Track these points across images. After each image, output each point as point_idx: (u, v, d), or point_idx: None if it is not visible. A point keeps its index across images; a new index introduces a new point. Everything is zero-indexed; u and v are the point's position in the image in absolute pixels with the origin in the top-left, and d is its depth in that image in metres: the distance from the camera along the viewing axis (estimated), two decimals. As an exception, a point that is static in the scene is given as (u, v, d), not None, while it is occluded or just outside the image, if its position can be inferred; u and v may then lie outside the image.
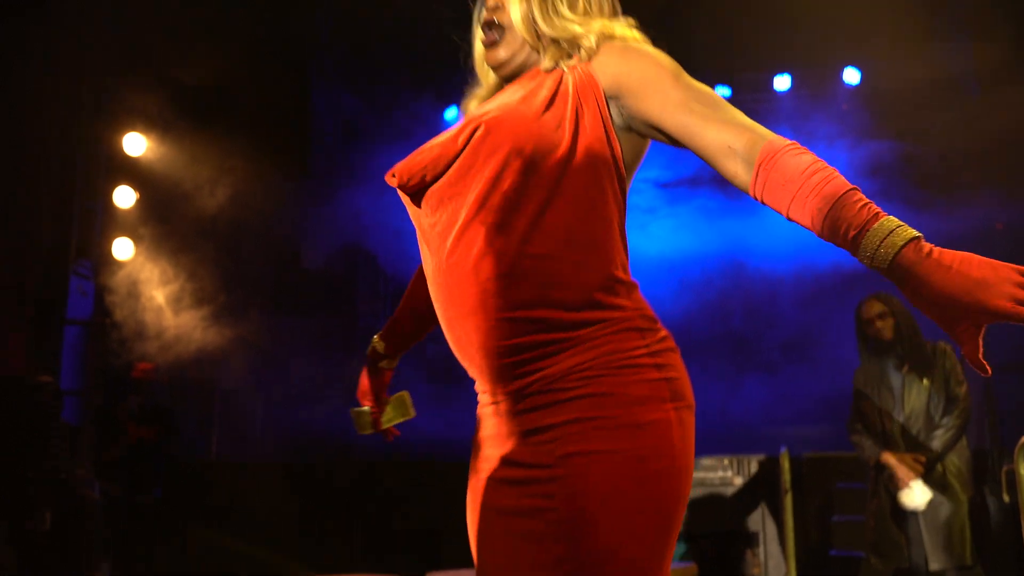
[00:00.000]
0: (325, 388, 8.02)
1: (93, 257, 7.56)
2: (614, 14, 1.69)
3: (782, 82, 8.33)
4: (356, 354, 9.47)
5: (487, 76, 1.77)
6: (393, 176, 1.54)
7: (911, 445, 4.25)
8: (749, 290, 8.21)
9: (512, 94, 1.58)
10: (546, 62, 1.59)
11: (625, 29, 1.63)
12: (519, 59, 1.65)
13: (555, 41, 1.60)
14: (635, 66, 1.51)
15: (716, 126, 1.45)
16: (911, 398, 4.30)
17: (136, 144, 7.46)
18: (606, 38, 1.58)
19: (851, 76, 8.18)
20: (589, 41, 1.56)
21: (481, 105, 1.71)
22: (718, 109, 1.46)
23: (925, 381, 4.29)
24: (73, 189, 7.50)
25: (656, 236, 8.10)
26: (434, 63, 8.43)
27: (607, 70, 1.53)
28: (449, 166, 1.49)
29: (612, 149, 1.51)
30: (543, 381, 1.44)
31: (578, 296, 1.44)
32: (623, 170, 1.55)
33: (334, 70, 8.78)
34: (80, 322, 7.47)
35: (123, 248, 7.39)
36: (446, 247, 1.48)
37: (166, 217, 7.56)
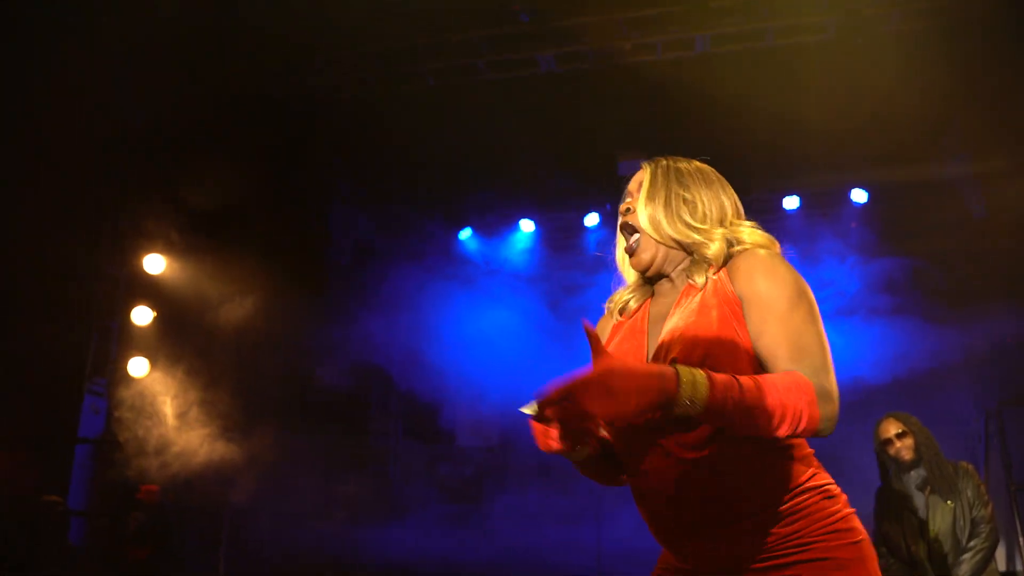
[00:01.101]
0: (335, 507, 7.89)
1: (108, 375, 7.58)
2: (737, 215, 1.91)
3: (791, 202, 8.46)
4: (366, 471, 9.37)
5: (628, 274, 2.02)
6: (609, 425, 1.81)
7: (939, 569, 4.11)
8: None
9: (682, 311, 1.79)
10: (699, 278, 1.80)
11: (751, 233, 1.85)
12: (658, 260, 1.89)
13: (679, 243, 1.85)
14: (759, 280, 1.73)
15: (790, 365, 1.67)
16: (936, 520, 4.19)
17: (155, 264, 7.58)
18: (733, 243, 1.82)
19: (859, 196, 8.30)
20: (711, 249, 1.80)
21: (641, 315, 1.94)
22: (806, 353, 1.67)
23: (949, 503, 4.19)
24: (91, 308, 7.59)
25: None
26: (444, 186, 8.64)
27: (739, 276, 1.75)
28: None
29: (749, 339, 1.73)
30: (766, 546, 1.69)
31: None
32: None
33: (350, 192, 8.98)
34: (91, 440, 7.43)
35: (138, 366, 7.41)
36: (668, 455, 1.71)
37: (183, 335, 7.61)
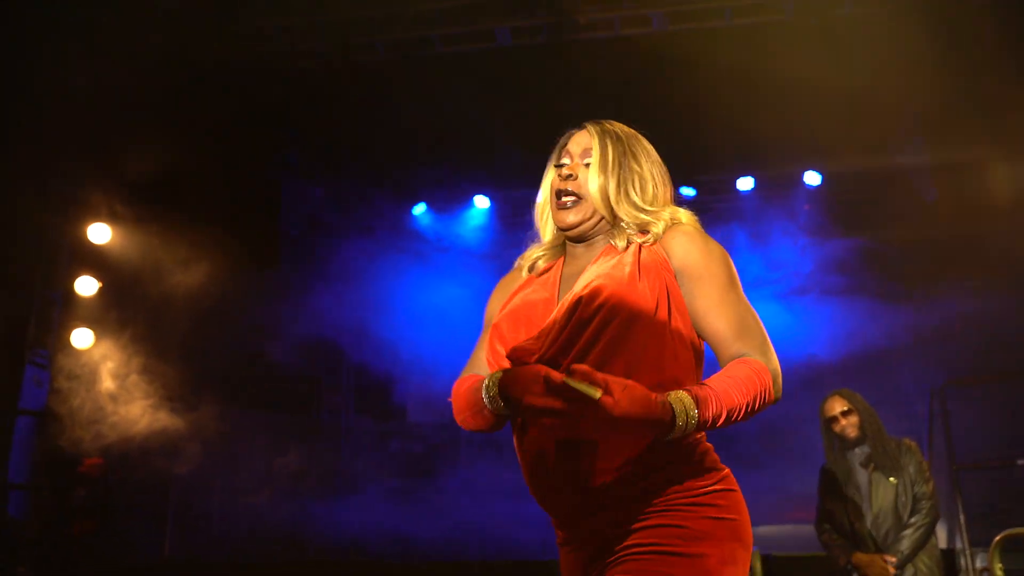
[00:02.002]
0: (285, 482, 7.83)
1: (50, 346, 7.41)
2: (675, 200, 1.93)
3: (745, 183, 8.52)
4: (317, 447, 9.30)
5: (546, 231, 2.02)
6: (511, 358, 1.76)
7: (881, 545, 4.20)
8: None
9: (599, 267, 1.80)
10: (619, 242, 1.82)
11: (687, 216, 1.87)
12: (587, 226, 1.88)
13: (624, 222, 1.84)
14: (697, 257, 1.77)
15: (732, 335, 1.74)
16: (878, 497, 4.26)
17: (101, 233, 7.40)
18: (673, 223, 1.84)
19: (812, 178, 8.38)
20: (657, 228, 1.81)
21: (542, 276, 1.94)
22: (752, 334, 1.74)
23: (892, 479, 4.26)
24: (34, 278, 7.39)
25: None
26: (398, 161, 8.55)
27: (676, 251, 1.78)
28: (558, 338, 1.72)
29: (683, 313, 1.76)
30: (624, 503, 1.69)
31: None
32: (691, 326, 1.78)
33: (303, 164, 8.85)
34: (32, 412, 7.27)
35: (82, 337, 7.25)
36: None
37: (129, 306, 7.46)
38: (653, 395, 1.51)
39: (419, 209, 9.27)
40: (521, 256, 2.03)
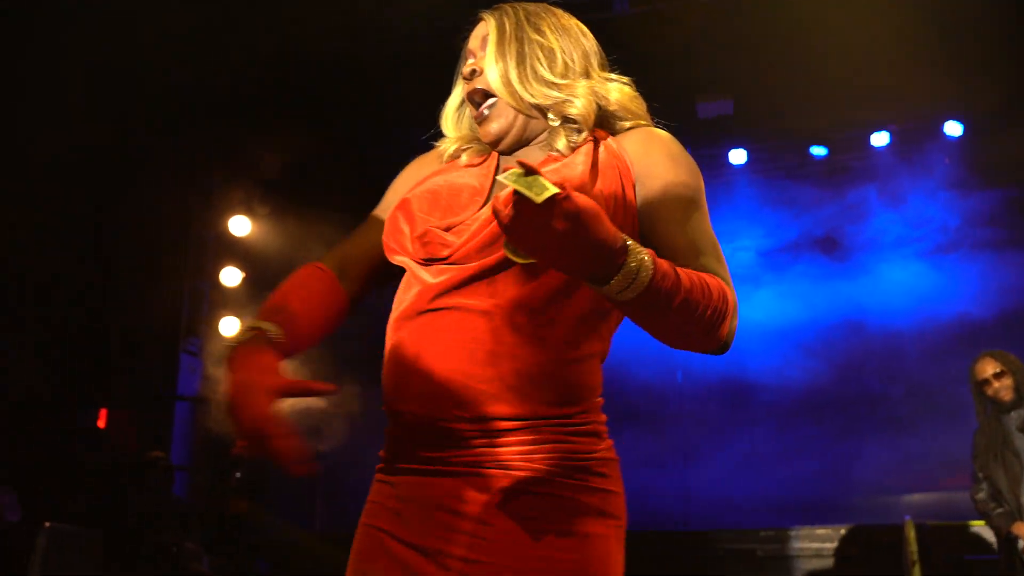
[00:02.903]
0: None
1: (201, 335, 7.83)
2: (602, 67, 1.61)
3: (880, 138, 8.16)
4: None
5: (452, 129, 1.70)
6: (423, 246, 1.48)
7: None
8: (872, 350, 7.92)
9: (563, 167, 1.47)
10: (559, 144, 1.50)
11: (618, 89, 1.58)
12: (515, 130, 1.55)
13: (539, 108, 1.52)
14: (665, 164, 1.48)
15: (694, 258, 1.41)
16: (1040, 462, 4.05)
17: (241, 225, 7.76)
18: (600, 101, 1.54)
19: (953, 128, 7.95)
20: (575, 107, 1.49)
21: (487, 165, 1.60)
22: (720, 258, 1.44)
23: (1054, 443, 4.04)
24: (184, 271, 7.83)
25: (760, 305, 7.95)
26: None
27: (636, 155, 1.49)
28: (483, 237, 1.42)
29: (634, 227, 1.46)
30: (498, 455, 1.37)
31: (576, 380, 1.41)
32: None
33: (428, 147, 8.97)
34: (189, 398, 7.70)
35: (230, 325, 7.62)
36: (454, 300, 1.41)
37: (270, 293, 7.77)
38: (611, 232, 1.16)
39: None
40: (440, 144, 1.71)
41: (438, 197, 1.52)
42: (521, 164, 1.10)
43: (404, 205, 1.54)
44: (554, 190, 1.08)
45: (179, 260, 7.80)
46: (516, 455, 1.35)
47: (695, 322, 1.28)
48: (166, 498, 5.89)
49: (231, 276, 7.81)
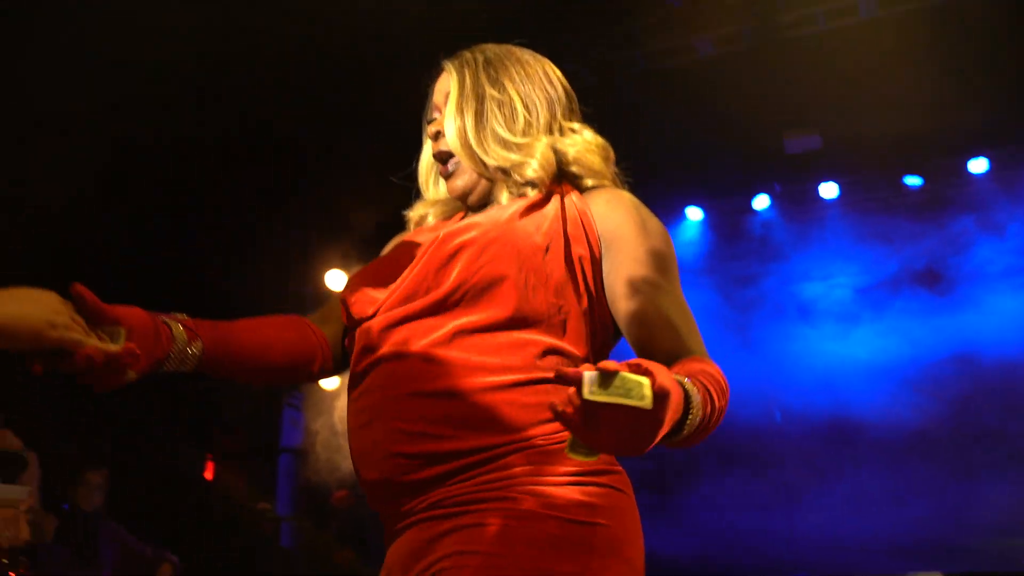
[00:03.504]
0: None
1: (303, 389, 8.03)
2: (569, 112, 1.58)
3: (978, 165, 7.93)
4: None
5: (432, 192, 1.69)
6: (352, 305, 1.48)
7: None
8: (987, 384, 7.58)
9: (493, 214, 1.46)
10: (502, 198, 1.48)
11: (580, 144, 1.52)
12: (479, 191, 1.54)
13: (499, 169, 1.48)
14: (631, 227, 1.42)
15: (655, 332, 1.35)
16: None
17: (337, 280, 7.96)
18: (561, 158, 1.49)
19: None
20: (531, 169, 1.44)
21: (445, 220, 1.61)
22: (683, 320, 1.37)
23: None
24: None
25: (860, 343, 7.75)
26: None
27: (601, 217, 1.44)
28: (407, 286, 1.41)
29: (595, 284, 1.41)
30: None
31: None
32: (604, 302, 1.42)
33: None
34: (291, 450, 7.89)
35: (329, 380, 7.79)
36: (404, 349, 1.37)
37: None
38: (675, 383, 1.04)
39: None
40: (407, 211, 1.72)
41: (383, 261, 1.53)
42: (600, 370, 0.96)
43: (352, 279, 1.55)
44: (647, 384, 0.96)
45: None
46: (474, 489, 1.28)
47: (717, 423, 1.19)
48: (274, 549, 6.02)
49: (330, 330, 8.00)
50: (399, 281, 1.42)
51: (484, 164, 1.49)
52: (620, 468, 1.35)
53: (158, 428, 6.84)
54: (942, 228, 7.93)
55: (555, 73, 1.61)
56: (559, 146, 1.50)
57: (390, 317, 1.39)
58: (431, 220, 1.64)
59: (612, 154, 1.59)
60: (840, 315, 8.06)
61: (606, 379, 0.95)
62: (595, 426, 0.97)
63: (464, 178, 1.53)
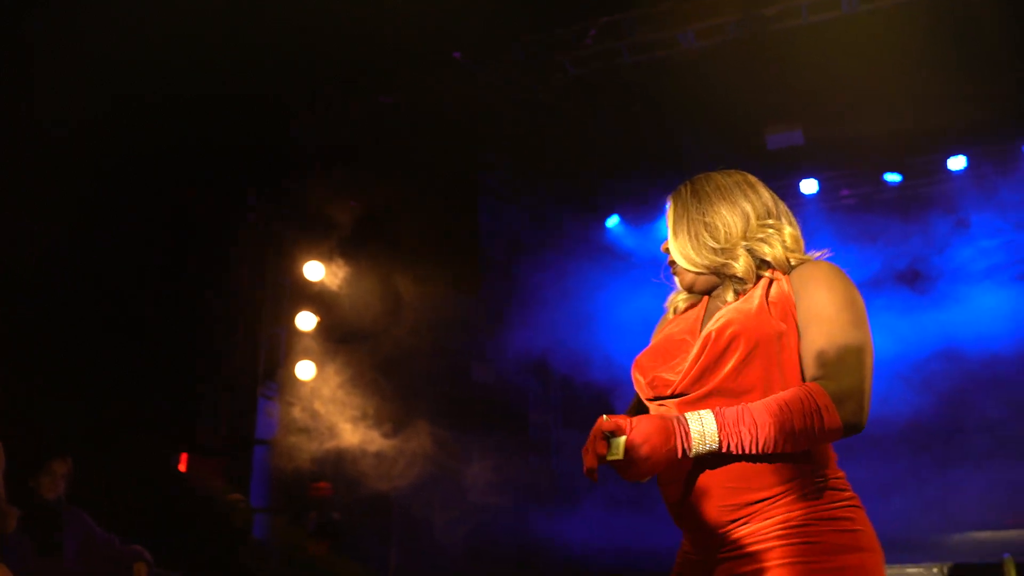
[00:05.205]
0: (502, 499, 7.99)
1: (279, 379, 7.95)
2: (766, 215, 2.00)
3: (956, 162, 7.95)
4: (528, 461, 9.44)
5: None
6: (650, 387, 1.96)
7: None
8: (976, 376, 7.61)
9: (733, 305, 1.93)
10: (728, 296, 1.96)
11: (776, 241, 1.95)
12: (699, 284, 2.03)
13: (709, 268, 1.98)
14: (819, 299, 1.84)
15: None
16: None
17: (315, 271, 7.89)
18: (758, 255, 1.94)
19: (1034, 150, 7.73)
20: (736, 269, 1.93)
21: (685, 314, 2.10)
22: (836, 357, 1.76)
23: None
24: (261, 317, 7.99)
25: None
26: (591, 176, 8.60)
27: (798, 287, 1.87)
28: (691, 371, 1.87)
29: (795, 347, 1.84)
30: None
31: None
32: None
33: (498, 186, 9.07)
34: (266, 442, 7.81)
35: (305, 370, 7.74)
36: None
37: (344, 338, 7.89)
38: (666, 430, 1.66)
39: (612, 222, 9.27)
40: (668, 299, 2.19)
41: (659, 349, 2.01)
42: (603, 426, 1.71)
43: (637, 362, 2.03)
44: (623, 442, 1.66)
45: (256, 307, 7.97)
46: (770, 527, 1.75)
47: (785, 439, 1.67)
48: (246, 541, 5.95)
49: (306, 321, 7.93)
50: (684, 368, 1.88)
51: (698, 265, 2.00)
52: (850, 487, 1.84)
53: (131, 419, 6.75)
54: (921, 224, 7.95)
55: (753, 188, 2.05)
56: (755, 247, 1.95)
57: (687, 399, 1.86)
58: (681, 306, 2.13)
59: (801, 239, 2.02)
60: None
61: (610, 442, 1.69)
62: (619, 471, 1.69)
63: (686, 277, 2.04)
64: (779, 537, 1.72)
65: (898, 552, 6.80)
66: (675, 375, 1.90)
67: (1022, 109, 7.04)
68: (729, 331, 1.83)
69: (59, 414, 5.83)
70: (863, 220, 8.10)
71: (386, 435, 7.32)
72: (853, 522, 1.75)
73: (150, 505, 6.56)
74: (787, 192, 8.42)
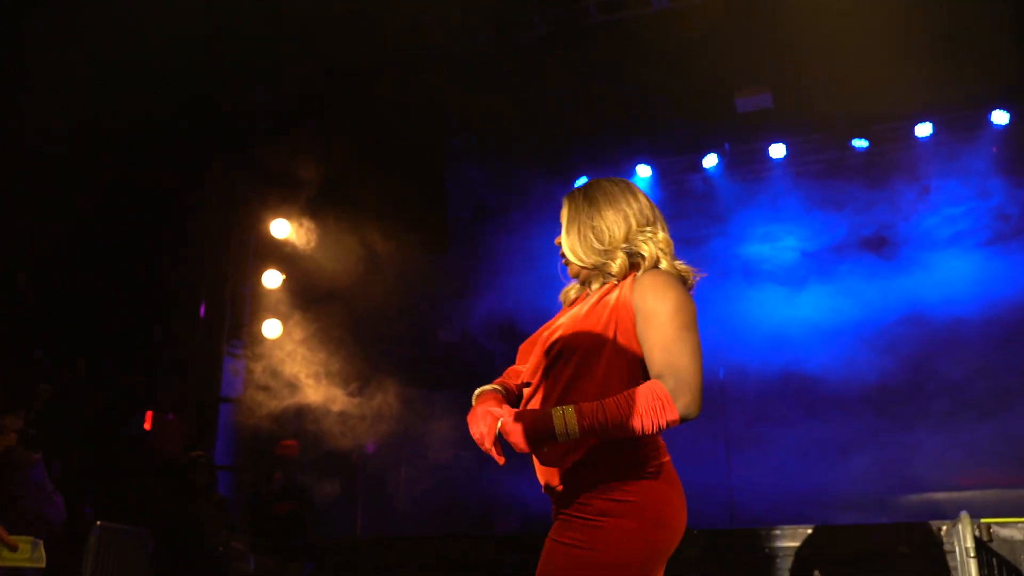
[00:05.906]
0: (467, 459, 8.04)
1: (244, 337, 7.90)
2: (644, 223, 2.27)
3: (923, 129, 8.02)
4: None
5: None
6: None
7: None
8: (940, 339, 7.71)
9: (580, 309, 2.23)
10: (594, 286, 2.26)
11: (650, 243, 2.23)
12: (583, 276, 2.33)
13: (592, 265, 2.26)
14: (649, 303, 2.11)
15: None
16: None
17: (281, 228, 7.81)
18: (638, 259, 2.22)
19: (999, 117, 7.80)
20: (614, 268, 2.22)
21: (567, 309, 2.39)
22: (672, 357, 2.05)
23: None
24: (226, 275, 7.91)
25: (809, 304, 7.84)
26: (557, 136, 8.56)
27: (636, 293, 2.15)
28: (537, 371, 2.23)
29: (630, 344, 2.14)
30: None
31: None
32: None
33: (463, 148, 9.01)
34: (232, 400, 7.78)
35: (271, 328, 7.69)
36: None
37: (310, 296, 7.84)
38: (539, 417, 2.00)
39: (580, 183, 9.24)
40: (562, 291, 2.48)
41: (531, 342, 2.35)
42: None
43: (520, 349, 2.39)
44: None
45: (221, 264, 7.89)
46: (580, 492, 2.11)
47: (634, 428, 1.96)
48: (210, 497, 5.93)
49: (272, 279, 7.87)
50: (534, 369, 2.25)
51: (583, 261, 2.29)
52: (661, 460, 2.16)
53: (94, 376, 6.69)
54: (887, 190, 8.02)
55: (634, 196, 2.33)
56: (633, 249, 2.24)
57: (537, 396, 2.22)
58: (572, 295, 2.43)
59: (671, 244, 2.28)
60: (786, 278, 8.16)
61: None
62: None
63: (572, 271, 2.35)
64: (578, 505, 2.09)
65: (858, 511, 6.94)
66: (530, 373, 2.25)
67: (989, 77, 7.08)
68: (559, 342, 2.17)
69: (19, 372, 5.76)
70: (830, 186, 8.16)
71: (351, 393, 7.31)
72: (630, 494, 2.06)
73: (112, 461, 6.53)
74: (756, 156, 8.44)
